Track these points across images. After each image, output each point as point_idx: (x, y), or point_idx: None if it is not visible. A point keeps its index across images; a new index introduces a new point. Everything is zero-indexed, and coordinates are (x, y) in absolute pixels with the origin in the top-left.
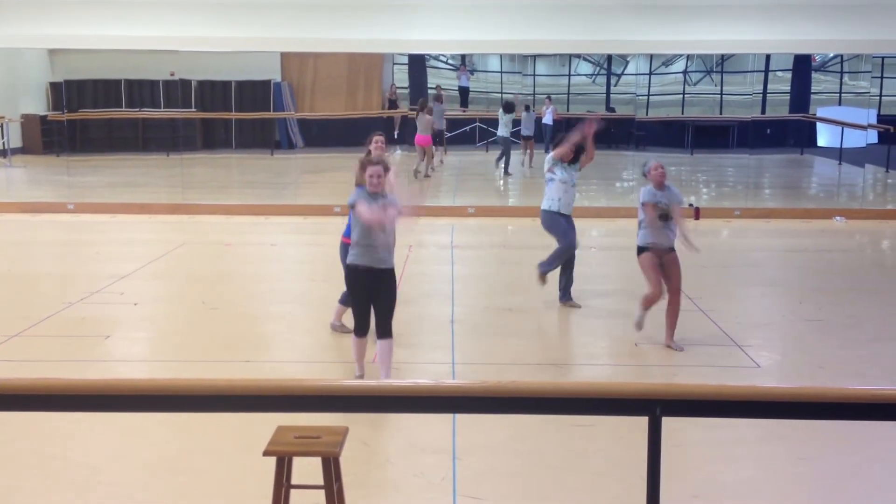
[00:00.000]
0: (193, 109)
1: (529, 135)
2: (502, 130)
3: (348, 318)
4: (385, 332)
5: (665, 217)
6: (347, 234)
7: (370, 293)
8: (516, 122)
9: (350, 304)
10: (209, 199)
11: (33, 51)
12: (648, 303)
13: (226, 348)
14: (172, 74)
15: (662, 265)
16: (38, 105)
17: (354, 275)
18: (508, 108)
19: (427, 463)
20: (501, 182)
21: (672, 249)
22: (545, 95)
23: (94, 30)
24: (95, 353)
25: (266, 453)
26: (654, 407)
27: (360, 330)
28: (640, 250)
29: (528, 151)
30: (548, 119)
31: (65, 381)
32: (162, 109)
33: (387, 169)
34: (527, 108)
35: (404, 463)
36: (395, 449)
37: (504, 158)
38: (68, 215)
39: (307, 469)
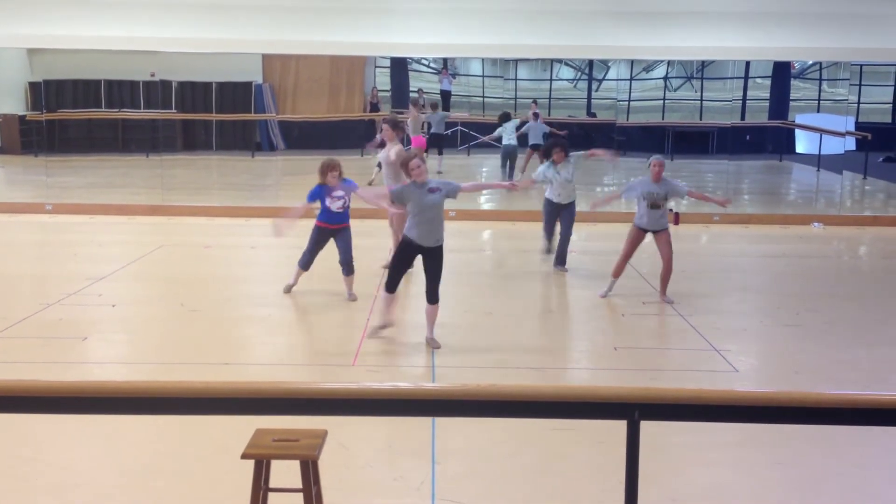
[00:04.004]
0: (174, 110)
1: (537, 143)
2: (508, 139)
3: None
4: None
5: (656, 206)
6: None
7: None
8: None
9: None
10: (189, 200)
11: (12, 50)
12: (616, 272)
13: (204, 350)
14: (153, 75)
15: (654, 240)
16: (16, 105)
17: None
18: (505, 117)
19: (406, 466)
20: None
21: (664, 230)
22: (531, 100)
23: (74, 30)
24: (73, 354)
25: (244, 456)
26: (633, 411)
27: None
28: (634, 223)
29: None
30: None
31: (41, 382)
32: (142, 110)
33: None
34: (535, 116)
35: (383, 466)
36: (374, 452)
37: (509, 167)
38: (46, 216)
39: (285, 472)
